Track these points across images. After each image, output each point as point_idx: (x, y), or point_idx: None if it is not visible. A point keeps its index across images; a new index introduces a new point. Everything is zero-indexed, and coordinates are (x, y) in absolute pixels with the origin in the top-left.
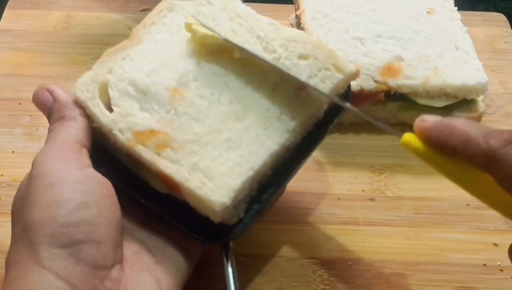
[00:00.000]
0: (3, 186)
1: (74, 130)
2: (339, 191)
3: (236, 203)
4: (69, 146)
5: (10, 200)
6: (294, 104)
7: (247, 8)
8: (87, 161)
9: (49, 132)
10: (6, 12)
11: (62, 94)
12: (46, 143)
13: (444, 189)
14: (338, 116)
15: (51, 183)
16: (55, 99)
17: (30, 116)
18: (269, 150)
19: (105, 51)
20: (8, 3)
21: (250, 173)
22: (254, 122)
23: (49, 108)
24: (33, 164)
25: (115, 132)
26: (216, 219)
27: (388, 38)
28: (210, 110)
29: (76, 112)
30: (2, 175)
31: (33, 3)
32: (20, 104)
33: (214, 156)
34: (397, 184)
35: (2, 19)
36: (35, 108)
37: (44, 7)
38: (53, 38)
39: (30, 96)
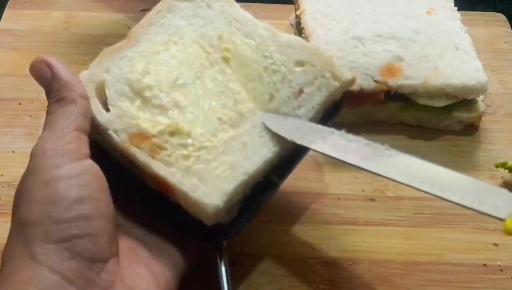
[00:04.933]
0: (3, 186)
1: (74, 115)
2: (339, 191)
3: (229, 207)
4: (68, 136)
5: (10, 200)
6: (290, 113)
7: (245, 13)
8: (85, 149)
9: (47, 113)
10: (6, 12)
11: (61, 69)
12: (44, 128)
13: None
14: (330, 121)
15: (46, 180)
16: (54, 75)
17: (30, 116)
18: (263, 157)
19: (102, 51)
20: (8, 3)
21: (244, 177)
22: (249, 130)
23: (47, 83)
24: (31, 156)
25: (110, 132)
26: (208, 222)
27: (388, 38)
28: (205, 116)
29: (76, 93)
30: (2, 175)
31: (33, 3)
32: (20, 104)
33: (209, 160)
34: (397, 184)
35: (2, 19)
36: (35, 108)
37: (44, 7)
38: (53, 38)
39: (30, 96)
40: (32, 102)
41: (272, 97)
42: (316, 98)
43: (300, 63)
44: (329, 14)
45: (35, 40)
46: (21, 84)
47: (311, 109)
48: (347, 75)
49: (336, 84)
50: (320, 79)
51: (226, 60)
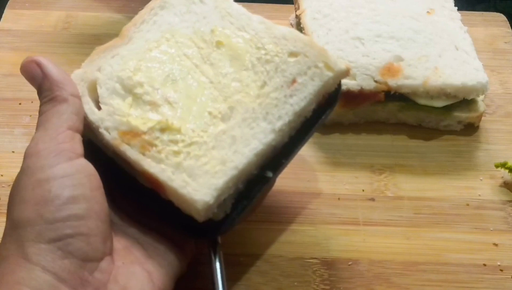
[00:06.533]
0: (3, 186)
1: (66, 114)
2: (339, 191)
3: (220, 202)
4: (60, 135)
5: None
6: (281, 103)
7: (238, 7)
8: (79, 148)
9: (40, 113)
10: (6, 12)
11: (52, 69)
12: (37, 128)
13: (444, 189)
14: (326, 114)
15: (39, 180)
16: (44, 74)
17: (30, 116)
18: (254, 149)
19: (95, 49)
20: (8, 3)
21: (234, 172)
22: (239, 122)
23: (38, 83)
24: (25, 157)
25: (102, 130)
26: (199, 218)
27: (388, 38)
28: (196, 110)
29: (67, 92)
30: (2, 175)
31: (33, 3)
32: (20, 104)
33: (199, 155)
34: (397, 184)
35: (2, 19)
36: (35, 108)
37: (44, 7)
38: (53, 38)
39: (30, 96)
40: (32, 102)
41: (264, 84)
42: (309, 88)
43: (293, 54)
44: (329, 14)
45: (35, 40)
46: (21, 84)
47: (304, 98)
48: (341, 65)
49: (330, 74)
50: (313, 69)
51: (218, 53)
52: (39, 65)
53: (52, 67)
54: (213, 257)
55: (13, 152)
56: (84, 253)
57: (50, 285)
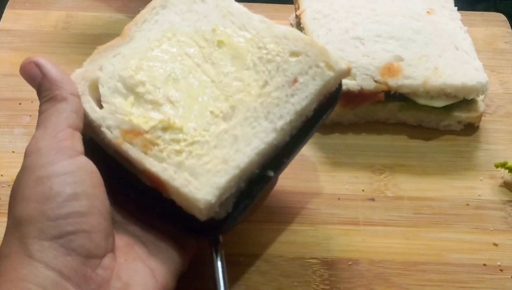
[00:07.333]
0: (3, 186)
1: (66, 113)
2: (339, 191)
3: (222, 201)
4: (60, 133)
5: None
6: (282, 102)
7: (239, 6)
8: (79, 146)
9: (40, 113)
10: (6, 12)
11: (51, 69)
12: (37, 127)
13: (444, 189)
14: (327, 114)
15: (40, 177)
16: (44, 74)
17: (30, 116)
18: (255, 149)
19: (96, 49)
20: (8, 3)
21: (235, 171)
22: (241, 122)
23: (38, 83)
24: (25, 155)
25: (104, 129)
26: (201, 217)
27: (388, 38)
28: (197, 110)
29: (66, 90)
30: (2, 175)
31: (33, 3)
32: (20, 104)
33: (201, 154)
34: (397, 184)
35: (2, 19)
36: (35, 108)
37: (44, 7)
38: (53, 38)
39: (30, 96)
40: (32, 102)
41: (266, 83)
42: (310, 87)
43: (294, 54)
44: (329, 14)
45: (35, 40)
46: (21, 84)
47: (305, 98)
48: (342, 65)
49: (331, 73)
50: (315, 68)
51: (219, 52)
52: (37, 65)
53: (50, 67)
54: (214, 256)
55: (13, 152)
56: (86, 250)
57: (54, 282)
